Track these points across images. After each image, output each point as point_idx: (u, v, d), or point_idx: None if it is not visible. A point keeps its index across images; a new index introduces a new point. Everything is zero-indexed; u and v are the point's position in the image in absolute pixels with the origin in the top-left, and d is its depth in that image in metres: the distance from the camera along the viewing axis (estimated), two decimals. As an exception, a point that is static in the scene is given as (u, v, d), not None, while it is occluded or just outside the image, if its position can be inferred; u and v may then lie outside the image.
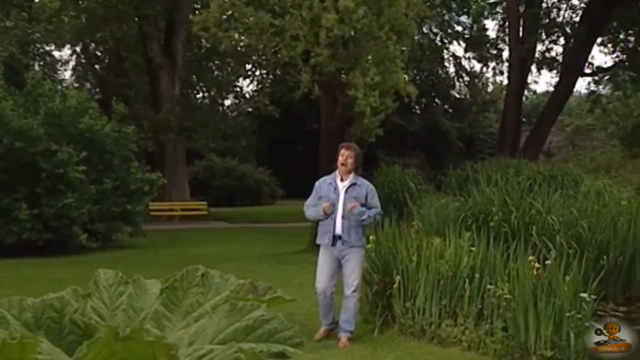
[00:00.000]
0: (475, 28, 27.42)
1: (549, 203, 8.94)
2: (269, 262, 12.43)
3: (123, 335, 1.75)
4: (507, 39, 24.67)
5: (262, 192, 32.48)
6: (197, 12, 23.34)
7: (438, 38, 29.07)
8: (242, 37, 14.70)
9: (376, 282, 6.79)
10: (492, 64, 26.85)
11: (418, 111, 33.11)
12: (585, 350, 5.51)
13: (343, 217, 6.22)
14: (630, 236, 8.73)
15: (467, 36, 27.81)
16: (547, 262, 6.04)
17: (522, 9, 22.16)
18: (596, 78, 24.47)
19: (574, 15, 23.40)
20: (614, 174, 14.71)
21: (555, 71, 24.35)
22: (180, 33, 25.67)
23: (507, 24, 24.10)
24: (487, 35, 26.11)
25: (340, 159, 6.37)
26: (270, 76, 35.48)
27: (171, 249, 15.17)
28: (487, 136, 35.06)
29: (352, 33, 11.59)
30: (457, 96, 33.13)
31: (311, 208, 6.47)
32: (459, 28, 29.09)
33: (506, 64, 25.44)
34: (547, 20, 23.18)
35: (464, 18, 28.39)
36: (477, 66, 29.55)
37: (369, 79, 11.18)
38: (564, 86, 21.88)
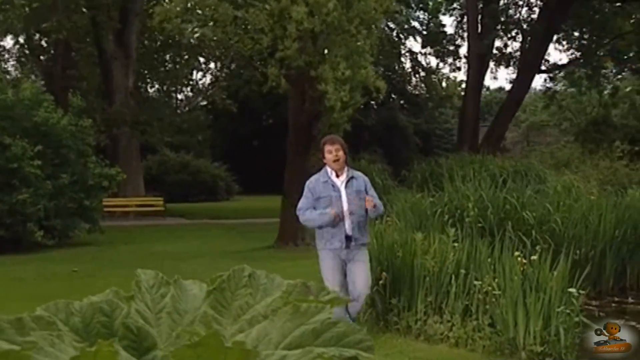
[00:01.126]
0: (432, 24, 27.71)
1: (523, 198, 9.07)
2: (234, 258, 12.25)
3: (195, 341, 1.66)
4: (464, 35, 24.99)
5: (218, 188, 32.19)
6: (151, 2, 22.86)
7: (394, 33, 29.28)
8: (197, 30, 14.49)
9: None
10: (449, 60, 27.18)
11: (375, 106, 33.26)
12: (574, 345, 5.60)
13: (350, 214, 5.81)
14: (601, 231, 8.94)
15: (424, 32, 28.09)
16: (532, 257, 6.10)
17: (480, 4, 22.44)
18: (552, 75, 25.02)
19: (531, 12, 23.86)
20: (573, 169, 15.09)
21: (512, 68, 24.81)
22: (134, 24, 25.13)
23: (465, 19, 24.40)
24: (445, 32, 26.42)
25: (329, 156, 5.89)
26: (225, 69, 35.20)
27: (131, 246, 14.85)
28: (444, 132, 35.54)
29: (322, 27, 11.49)
30: (414, 92, 33.44)
31: (312, 212, 5.88)
32: (415, 23, 29.39)
33: (463, 60, 25.81)
34: (505, 17, 23.56)
35: (419, 13, 28.70)
36: (433, 62, 29.93)
37: (340, 73, 11.13)
38: (522, 83, 22.30)
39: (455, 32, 26.14)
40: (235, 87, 33.31)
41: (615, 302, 8.49)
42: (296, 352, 1.82)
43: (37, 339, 1.73)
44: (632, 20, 22.53)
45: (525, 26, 23.56)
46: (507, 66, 24.95)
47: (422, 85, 31.65)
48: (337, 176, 5.93)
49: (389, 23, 27.41)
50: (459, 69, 27.10)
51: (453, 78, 33.83)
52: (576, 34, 23.44)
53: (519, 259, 6.05)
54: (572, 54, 24.14)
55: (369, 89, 12.83)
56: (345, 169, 5.97)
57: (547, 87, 25.51)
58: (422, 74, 30.85)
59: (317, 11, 11.47)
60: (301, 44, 11.70)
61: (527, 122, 32.78)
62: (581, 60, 23.10)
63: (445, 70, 30.60)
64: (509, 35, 24.25)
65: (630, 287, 9.15)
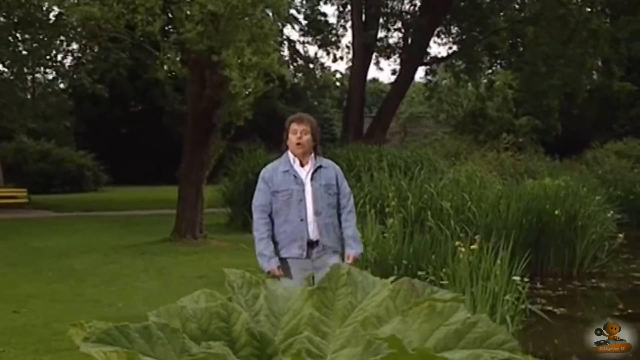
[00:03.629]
0: (309, 11, 27.79)
1: (438, 188, 9.35)
2: (130, 253, 11.71)
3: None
4: (346, 25, 25.43)
5: (85, 178, 30.58)
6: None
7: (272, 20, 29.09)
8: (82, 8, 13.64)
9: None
10: (331, 50, 27.42)
11: (252, 94, 32.95)
12: (519, 332, 5.85)
13: (316, 213, 4.73)
14: (509, 219, 9.42)
15: (303, 20, 28.16)
16: (472, 246, 6.29)
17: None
18: (431, 67, 26.02)
19: (413, 5, 24.63)
20: (463, 159, 15.78)
21: (396, 59, 25.57)
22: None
23: (347, 9, 24.80)
24: (327, 21, 26.66)
25: (293, 138, 4.76)
26: (89, 51, 33.44)
27: (4, 241, 13.72)
28: (323, 121, 35.89)
29: (225, 10, 11.17)
30: (292, 81, 33.48)
31: (260, 232, 4.77)
32: (292, 11, 29.36)
33: (345, 49, 26.25)
34: (389, 9, 24.19)
35: (298, 1, 28.72)
36: (312, 51, 30.00)
37: (247, 59, 10.89)
38: (406, 74, 23.01)
39: (338, 22, 26.47)
40: (101, 71, 31.77)
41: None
42: (461, 355, 1.73)
43: (216, 349, 1.55)
44: (501, 15, 23.86)
45: (407, 18, 24.31)
46: (388, 57, 25.65)
47: (301, 74, 31.74)
48: (302, 165, 4.84)
49: (266, 10, 27.13)
50: (342, 58, 27.46)
51: (327, 67, 34.28)
52: (455, 29, 24.49)
53: (461, 248, 6.22)
54: (449, 47, 25.29)
55: (270, 76, 12.70)
56: (312, 156, 4.85)
57: (429, 80, 26.53)
58: (301, 62, 30.91)
59: (220, -7, 11.13)
60: (203, 28, 11.31)
61: (406, 113, 33.96)
62: (460, 54, 24.22)
63: (325, 59, 30.98)
64: (395, 27, 24.93)
65: (535, 274, 9.70)
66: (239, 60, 11.10)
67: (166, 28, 14.66)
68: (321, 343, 1.94)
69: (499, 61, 26.41)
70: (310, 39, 28.10)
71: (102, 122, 35.01)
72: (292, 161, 4.84)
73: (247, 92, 11.20)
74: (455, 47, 24.85)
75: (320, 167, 4.85)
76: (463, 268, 5.99)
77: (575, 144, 24.71)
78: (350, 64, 24.62)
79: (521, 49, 24.73)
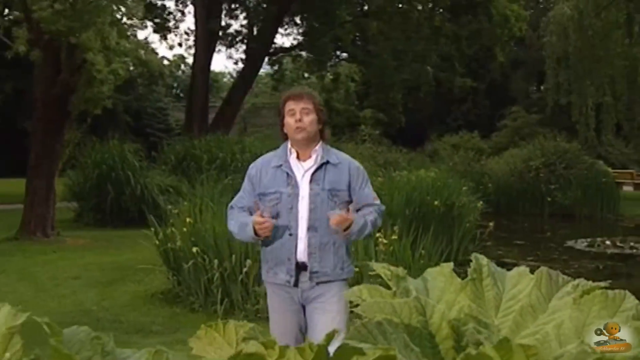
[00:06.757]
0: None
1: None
2: (-28, 254, 10.74)
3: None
4: (185, 10, 25.07)
5: None
6: None
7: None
8: None
9: (215, 267, 6.58)
10: (169, 36, 26.85)
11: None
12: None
13: (309, 228, 3.49)
14: (394, 209, 9.91)
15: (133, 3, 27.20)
16: (393, 237, 6.62)
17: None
18: (276, 58, 26.34)
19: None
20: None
21: (238, 48, 25.57)
22: None
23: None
24: (165, 5, 26.04)
25: (291, 121, 3.54)
26: None
27: None
28: (156, 111, 34.95)
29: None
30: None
31: (236, 220, 3.63)
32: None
33: (184, 36, 25.87)
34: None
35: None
36: (140, 35, 29.09)
37: (114, 43, 10.43)
38: (252, 64, 23.14)
39: (177, 7, 25.93)
40: None
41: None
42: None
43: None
44: (343, 7, 24.73)
45: (251, 6, 24.40)
46: (231, 46, 25.61)
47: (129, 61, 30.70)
48: (300, 158, 3.62)
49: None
50: (180, 45, 26.93)
51: (156, 53, 33.46)
52: (299, 20, 25.01)
53: (382, 239, 6.51)
54: (294, 38, 25.80)
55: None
56: (318, 147, 3.61)
57: (275, 70, 26.82)
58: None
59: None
60: (60, 6, 10.62)
61: (247, 104, 34.06)
62: (305, 46, 24.79)
63: (156, 45, 30.24)
64: (243, 16, 24.91)
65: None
66: (104, 44, 10.61)
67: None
68: (488, 334, 2.05)
69: (341, 53, 27.37)
70: (138, 22, 27.21)
71: None
72: (288, 153, 3.64)
73: (112, 77, 10.74)
74: (300, 38, 25.40)
75: (327, 163, 3.58)
76: (387, 259, 6.28)
77: (415, 136, 26.33)
78: (191, 51, 24.26)
79: (359, 42, 25.90)
